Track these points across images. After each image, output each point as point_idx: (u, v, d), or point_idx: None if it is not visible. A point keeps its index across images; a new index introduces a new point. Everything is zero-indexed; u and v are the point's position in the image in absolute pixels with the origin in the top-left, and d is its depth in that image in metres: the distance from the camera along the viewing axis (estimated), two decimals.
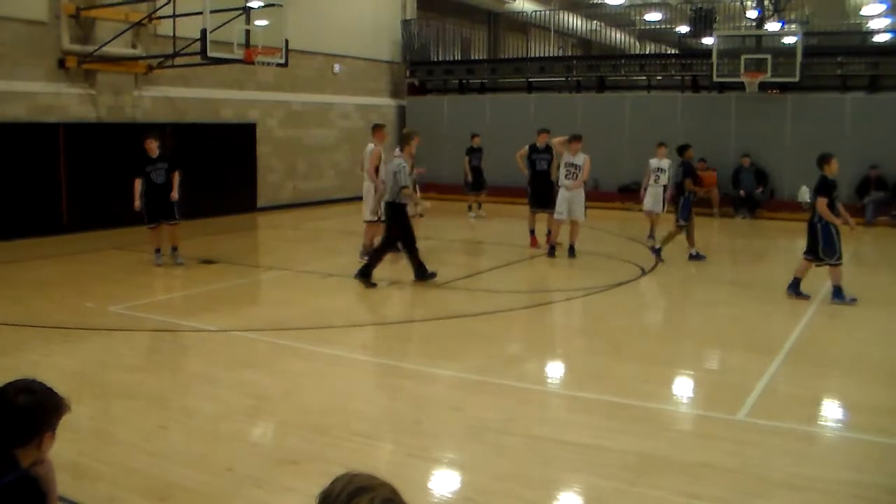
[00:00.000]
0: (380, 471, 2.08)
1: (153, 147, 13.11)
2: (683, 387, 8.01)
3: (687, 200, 13.96)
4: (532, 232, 15.59)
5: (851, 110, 20.31)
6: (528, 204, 15.68)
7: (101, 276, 12.81)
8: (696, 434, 6.60)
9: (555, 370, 8.68)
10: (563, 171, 14.29)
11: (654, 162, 16.01)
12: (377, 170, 13.30)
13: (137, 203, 13.01)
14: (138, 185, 13.00)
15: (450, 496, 5.43)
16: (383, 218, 12.60)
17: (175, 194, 13.09)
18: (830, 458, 6.05)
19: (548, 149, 15.37)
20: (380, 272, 12.09)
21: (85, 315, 10.06)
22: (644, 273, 13.17)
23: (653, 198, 16.01)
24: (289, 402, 7.15)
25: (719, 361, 8.93)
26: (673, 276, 13.34)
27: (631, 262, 13.89)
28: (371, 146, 13.60)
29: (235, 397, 7.13)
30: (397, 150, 12.43)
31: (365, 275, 11.83)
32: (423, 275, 12.05)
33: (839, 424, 6.95)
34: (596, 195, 22.40)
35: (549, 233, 14.93)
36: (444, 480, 5.68)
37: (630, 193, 21.86)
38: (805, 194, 20.07)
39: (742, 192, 20.58)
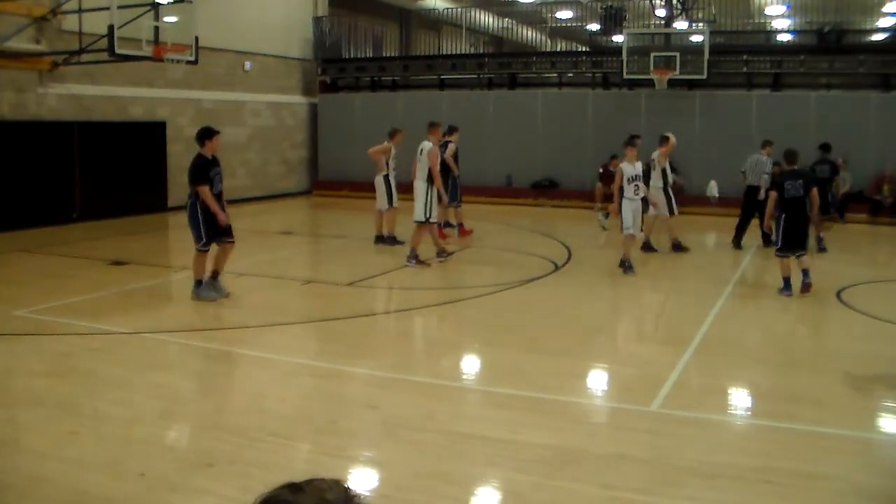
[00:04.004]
0: (297, 471, 2.06)
1: (217, 146, 10.53)
2: (598, 380, 8.14)
3: (834, 198, 14.48)
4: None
5: (757, 107, 20.88)
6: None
7: (6, 279, 12.40)
8: (611, 426, 6.71)
9: (470, 366, 8.71)
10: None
11: (627, 168, 12.74)
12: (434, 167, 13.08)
13: (223, 215, 10.40)
14: (209, 193, 10.27)
15: (368, 494, 5.40)
16: (432, 219, 13.20)
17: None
18: (741, 446, 6.21)
19: None
20: (300, 272, 11.94)
21: None
22: (557, 268, 13.30)
23: (633, 214, 12.76)
24: (202, 404, 7.05)
25: (633, 354, 9.07)
26: (584, 271, 13.47)
27: (544, 257, 14.02)
28: (428, 144, 13.20)
29: (148, 400, 7.00)
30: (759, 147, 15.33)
31: (768, 242, 14.00)
32: (768, 243, 13.98)
33: (749, 412, 7.14)
34: (509, 191, 22.71)
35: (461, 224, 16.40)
36: (362, 479, 5.66)
37: (542, 189, 22.14)
38: (713, 189, 20.55)
39: None
